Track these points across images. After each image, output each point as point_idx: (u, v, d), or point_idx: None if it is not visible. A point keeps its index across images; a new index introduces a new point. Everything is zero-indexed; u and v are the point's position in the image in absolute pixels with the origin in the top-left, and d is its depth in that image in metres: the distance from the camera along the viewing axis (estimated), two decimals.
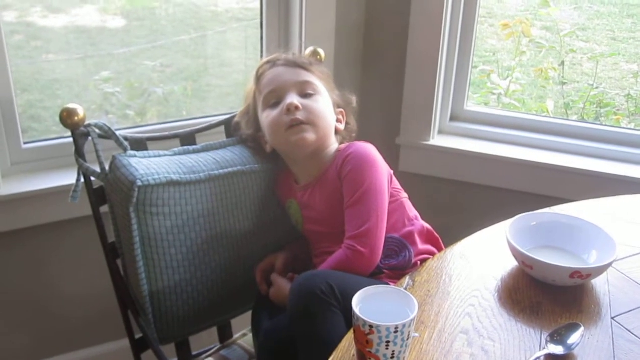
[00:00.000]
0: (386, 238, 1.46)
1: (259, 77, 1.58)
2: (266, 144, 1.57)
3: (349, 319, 1.20)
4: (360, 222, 1.43)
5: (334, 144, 1.58)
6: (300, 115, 1.49)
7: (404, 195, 1.57)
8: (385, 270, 1.46)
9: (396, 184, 1.57)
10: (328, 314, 1.26)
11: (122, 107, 2.13)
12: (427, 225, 1.57)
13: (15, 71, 1.73)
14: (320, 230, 1.55)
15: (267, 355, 1.43)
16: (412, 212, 1.56)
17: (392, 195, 1.52)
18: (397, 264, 1.47)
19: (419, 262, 1.48)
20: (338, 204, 1.48)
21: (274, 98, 1.53)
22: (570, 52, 2.88)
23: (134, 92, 2.15)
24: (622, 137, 2.18)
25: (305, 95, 1.53)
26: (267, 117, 1.53)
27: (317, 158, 1.55)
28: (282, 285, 1.52)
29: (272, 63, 1.58)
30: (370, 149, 1.51)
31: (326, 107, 1.55)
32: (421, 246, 1.52)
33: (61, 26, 2.01)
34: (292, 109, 1.48)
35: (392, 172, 1.56)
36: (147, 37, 2.15)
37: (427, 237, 1.55)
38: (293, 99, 1.50)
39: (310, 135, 1.49)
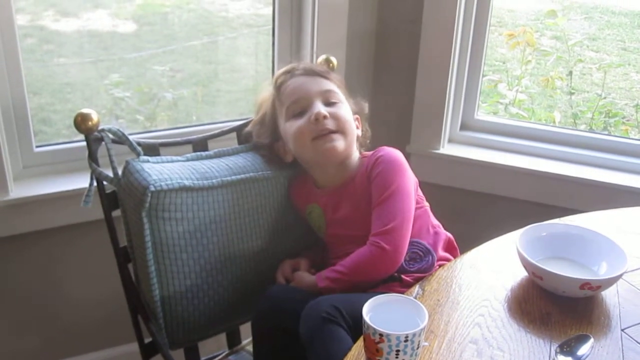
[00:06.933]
0: (412, 242, 1.49)
1: (278, 87, 1.58)
2: (286, 153, 1.58)
3: (357, 339, 1.22)
4: (386, 220, 1.45)
5: (356, 150, 1.60)
6: (329, 124, 1.50)
7: (427, 204, 1.60)
8: (404, 277, 1.47)
9: (420, 192, 1.59)
10: (336, 335, 1.28)
11: (131, 111, 2.14)
12: (449, 234, 1.60)
13: (27, 74, 1.74)
14: (346, 233, 1.55)
15: (266, 315, 1.45)
16: (435, 220, 1.60)
17: (417, 202, 1.54)
18: (420, 267, 1.49)
19: (437, 267, 1.50)
20: (367, 206, 1.50)
21: (299, 108, 1.53)
22: (578, 61, 2.88)
23: (144, 96, 2.16)
24: (631, 147, 2.18)
25: (329, 103, 1.54)
26: (291, 127, 1.53)
27: (343, 164, 1.56)
28: (304, 275, 1.54)
29: (291, 73, 1.58)
30: (399, 154, 1.55)
31: (349, 115, 1.57)
32: (441, 253, 1.55)
33: (73, 30, 2.02)
34: (320, 119, 1.49)
35: (417, 180, 1.58)
36: (157, 41, 2.15)
37: (448, 246, 1.58)
38: (320, 108, 1.51)
39: (340, 144, 1.51)
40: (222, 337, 1.72)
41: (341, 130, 1.52)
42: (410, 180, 1.52)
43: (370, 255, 1.44)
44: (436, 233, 1.57)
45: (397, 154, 1.54)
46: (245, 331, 1.74)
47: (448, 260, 1.53)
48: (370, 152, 1.57)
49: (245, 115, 1.71)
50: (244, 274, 1.58)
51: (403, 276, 1.47)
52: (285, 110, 1.55)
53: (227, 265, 1.55)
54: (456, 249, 1.60)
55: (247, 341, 1.73)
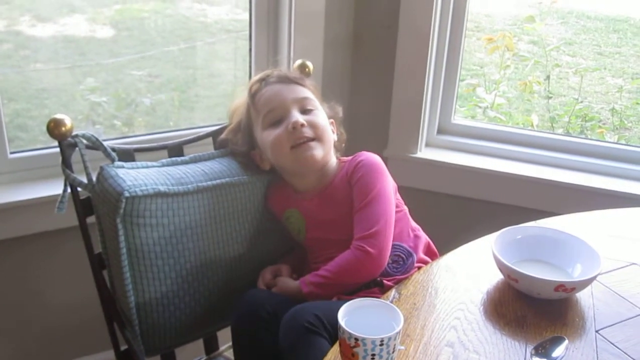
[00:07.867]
0: (394, 245, 1.50)
1: (253, 96, 1.57)
2: (262, 161, 1.58)
3: None
4: (369, 224, 1.46)
5: (333, 155, 1.60)
6: (307, 132, 1.50)
7: (405, 207, 1.61)
8: (385, 282, 1.47)
9: (398, 196, 1.60)
10: (317, 345, 1.27)
11: (109, 117, 2.13)
12: (427, 238, 1.61)
13: (2, 80, 1.73)
14: (326, 237, 1.55)
15: (245, 318, 1.44)
16: (414, 223, 1.61)
17: (396, 206, 1.55)
18: (402, 270, 1.50)
19: (416, 268, 1.51)
20: (348, 209, 1.51)
21: (276, 117, 1.52)
22: (555, 66, 2.91)
23: (121, 102, 2.15)
24: (607, 150, 2.20)
25: (305, 111, 1.54)
26: (268, 136, 1.53)
27: (321, 170, 1.57)
28: (286, 281, 1.53)
29: (265, 80, 1.57)
30: (379, 159, 1.55)
31: (326, 121, 1.56)
32: (421, 256, 1.56)
33: (49, 35, 2.01)
34: (298, 127, 1.49)
35: (396, 185, 1.59)
36: (135, 47, 2.14)
37: (428, 250, 1.59)
38: (297, 116, 1.51)
39: (319, 152, 1.51)
40: (200, 343, 1.71)
41: (319, 137, 1.52)
42: (390, 185, 1.53)
43: (355, 259, 1.44)
44: (416, 236, 1.58)
45: (376, 159, 1.55)
46: (223, 337, 1.74)
47: (427, 263, 1.53)
48: (350, 157, 1.58)
49: (223, 120, 1.70)
50: (220, 280, 1.57)
51: (385, 281, 1.48)
52: (262, 119, 1.54)
53: (203, 271, 1.54)
54: (436, 254, 1.60)
55: (225, 347, 1.72)
